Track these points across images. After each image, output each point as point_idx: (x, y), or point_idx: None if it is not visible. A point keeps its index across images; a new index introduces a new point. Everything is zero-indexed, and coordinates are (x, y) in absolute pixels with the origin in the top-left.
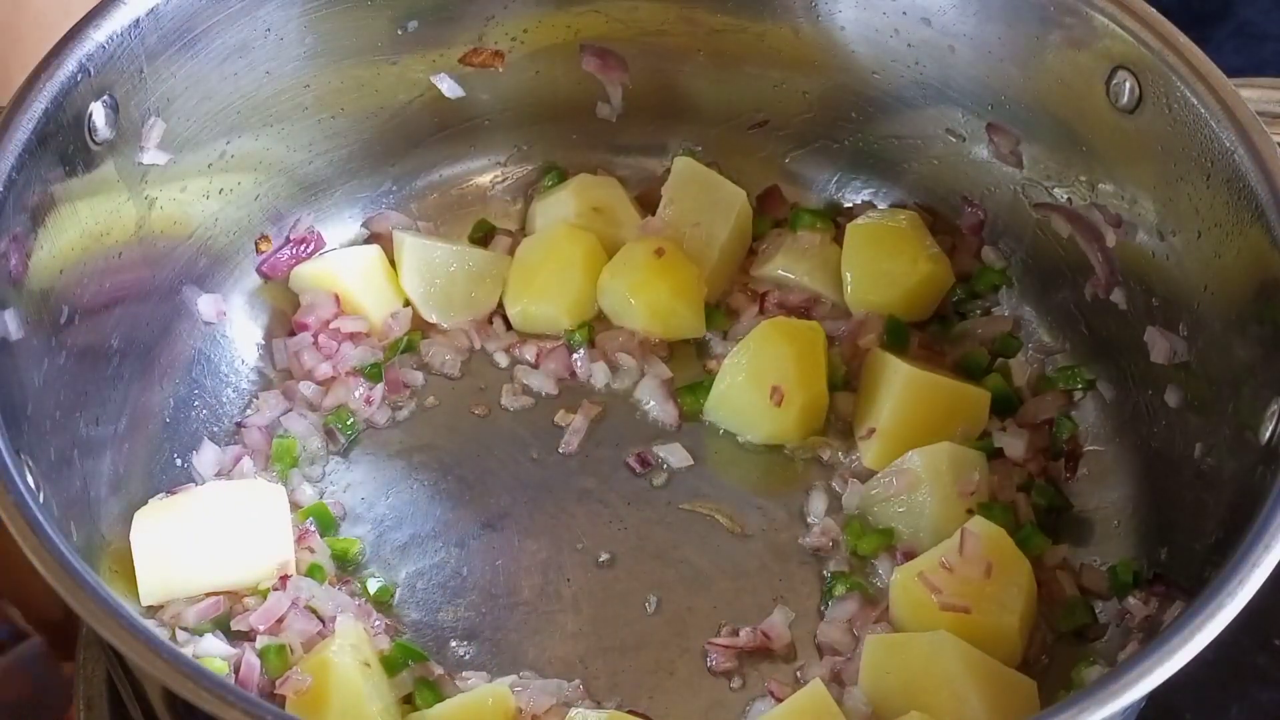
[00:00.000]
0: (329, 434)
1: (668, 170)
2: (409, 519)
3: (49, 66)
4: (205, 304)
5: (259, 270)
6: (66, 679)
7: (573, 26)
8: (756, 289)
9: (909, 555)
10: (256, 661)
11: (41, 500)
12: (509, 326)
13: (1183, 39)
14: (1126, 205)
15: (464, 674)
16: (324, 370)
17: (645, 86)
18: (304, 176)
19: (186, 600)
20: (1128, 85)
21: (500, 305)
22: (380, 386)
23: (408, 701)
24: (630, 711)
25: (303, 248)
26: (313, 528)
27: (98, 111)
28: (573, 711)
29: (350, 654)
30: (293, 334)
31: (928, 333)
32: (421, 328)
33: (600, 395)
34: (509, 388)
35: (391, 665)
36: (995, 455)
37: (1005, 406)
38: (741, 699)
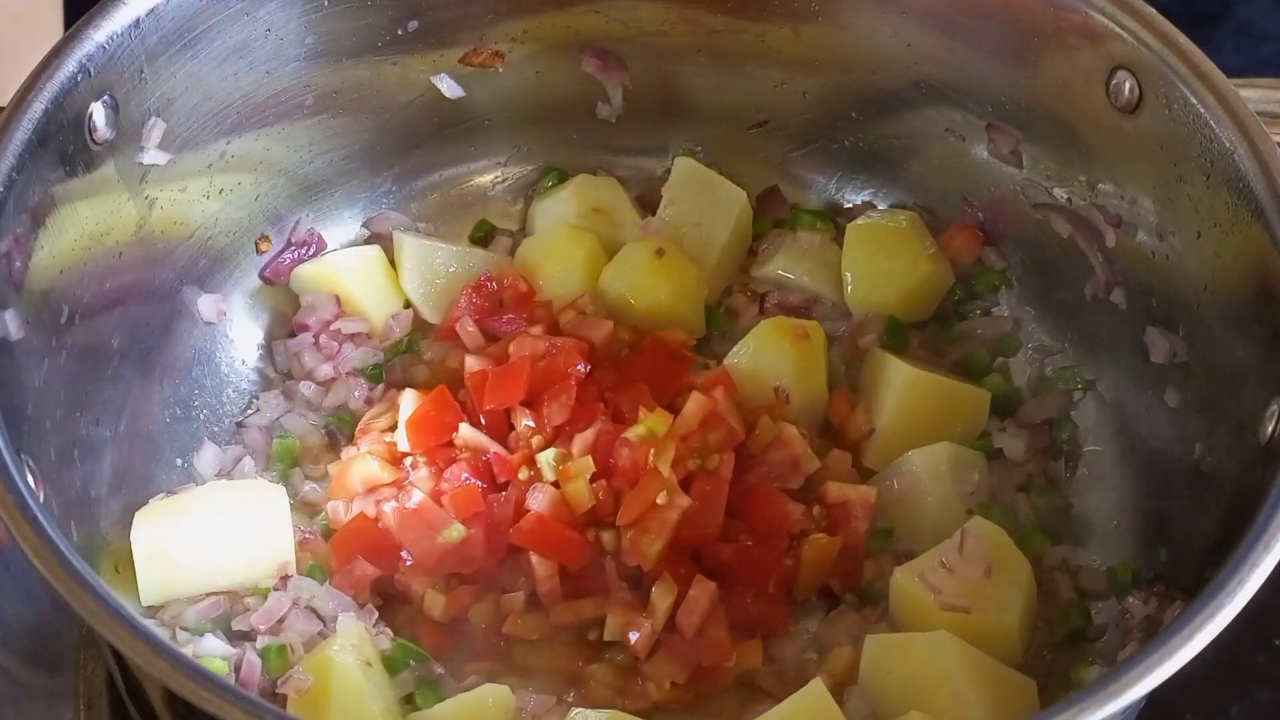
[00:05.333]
0: (330, 434)
1: (668, 170)
2: None
3: (49, 66)
4: (205, 304)
5: (262, 275)
6: None
7: (573, 26)
8: (756, 289)
9: (909, 555)
10: (257, 661)
11: (42, 500)
12: None
13: (1183, 39)
14: (1126, 205)
15: (465, 673)
16: (325, 371)
17: (645, 87)
18: (304, 177)
19: (187, 600)
20: (1127, 85)
21: None
22: (381, 387)
23: (409, 701)
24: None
25: (304, 250)
26: (314, 531)
27: (98, 112)
28: (573, 711)
29: (352, 653)
30: (293, 335)
31: (927, 333)
32: (422, 328)
33: None
34: None
35: (393, 664)
36: (995, 455)
37: (1005, 407)
38: (742, 698)
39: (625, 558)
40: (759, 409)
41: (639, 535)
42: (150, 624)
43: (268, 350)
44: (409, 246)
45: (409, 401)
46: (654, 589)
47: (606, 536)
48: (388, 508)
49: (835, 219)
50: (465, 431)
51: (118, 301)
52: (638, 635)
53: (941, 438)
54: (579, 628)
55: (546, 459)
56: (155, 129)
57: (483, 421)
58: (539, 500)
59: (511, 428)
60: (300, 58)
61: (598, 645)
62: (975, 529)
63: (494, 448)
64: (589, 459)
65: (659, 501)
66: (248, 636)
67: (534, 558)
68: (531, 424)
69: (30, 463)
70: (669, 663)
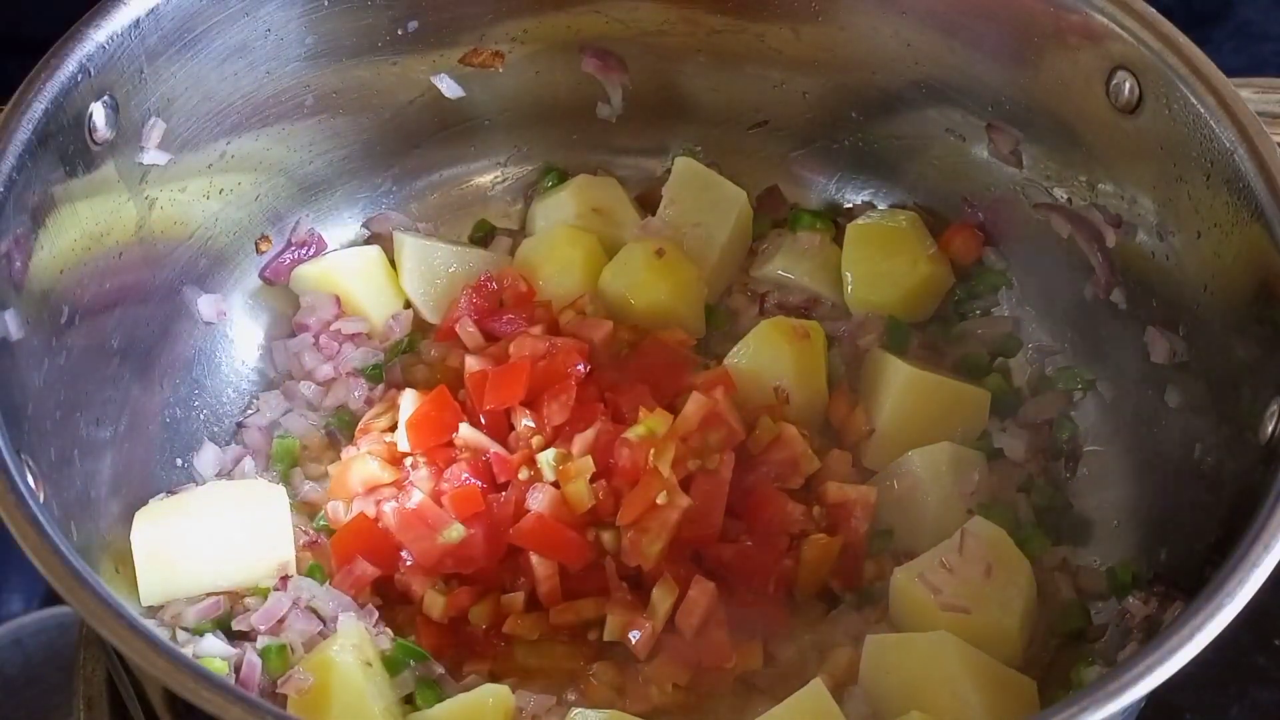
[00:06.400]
0: (330, 434)
1: (668, 170)
2: None
3: (49, 67)
4: (205, 304)
5: (262, 275)
6: None
7: (573, 26)
8: (756, 289)
9: (909, 555)
10: (257, 661)
11: (42, 500)
12: None
13: (1182, 39)
14: (1126, 205)
15: (465, 673)
16: (325, 371)
17: (645, 87)
18: (304, 177)
19: (187, 600)
20: (1127, 85)
21: None
22: (381, 387)
23: (409, 701)
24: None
25: (303, 250)
26: (314, 531)
27: (98, 112)
28: (573, 712)
29: (352, 653)
30: (293, 335)
31: (928, 333)
32: (422, 328)
33: None
34: None
35: (393, 664)
36: (995, 455)
37: (1005, 407)
38: (742, 699)
39: (625, 558)
40: (759, 409)
41: (639, 535)
42: (150, 624)
43: (268, 350)
44: (409, 246)
45: (409, 402)
46: (655, 589)
47: (606, 536)
48: (388, 508)
49: (835, 219)
50: (465, 431)
51: (118, 301)
52: (638, 635)
53: (941, 438)
54: (579, 628)
55: (546, 459)
56: (155, 129)
57: (483, 421)
58: (539, 500)
59: (511, 428)
60: (300, 58)
61: (598, 645)
62: (975, 529)
63: (494, 448)
64: (589, 459)
65: (659, 502)
66: (248, 636)
67: (534, 558)
68: (531, 424)
69: (30, 463)
70: (670, 664)
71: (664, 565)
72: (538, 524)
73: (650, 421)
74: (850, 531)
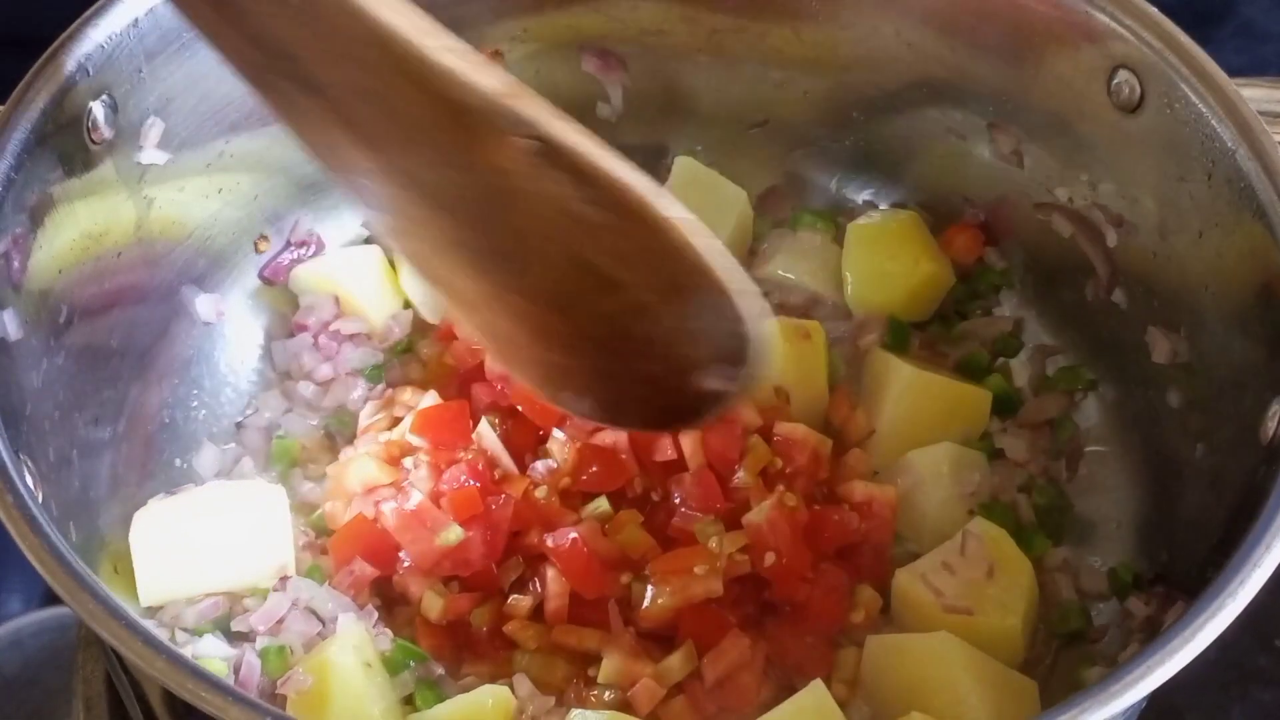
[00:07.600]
0: (329, 435)
1: (668, 170)
2: None
3: (48, 66)
4: (204, 304)
5: (261, 275)
6: None
7: (573, 26)
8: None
9: (910, 556)
10: (257, 662)
11: (40, 500)
12: None
13: (1184, 38)
14: (1128, 205)
15: (464, 674)
16: (324, 371)
17: (645, 86)
18: (303, 176)
19: (186, 601)
20: (1129, 85)
21: None
22: (380, 387)
23: (409, 702)
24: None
25: (303, 250)
26: (313, 532)
27: (97, 111)
28: (573, 712)
29: (352, 654)
30: (292, 335)
31: (928, 333)
32: (422, 329)
33: None
34: None
35: (393, 665)
36: (996, 456)
37: (1006, 407)
38: None
39: (634, 604)
40: (759, 410)
41: (658, 585)
42: (150, 624)
43: (267, 350)
44: None
45: (429, 400)
46: (675, 655)
47: (636, 586)
48: (386, 509)
49: (836, 219)
50: (484, 430)
51: (116, 301)
52: (638, 690)
53: (942, 438)
54: (579, 655)
55: (594, 510)
56: (154, 128)
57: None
58: (586, 529)
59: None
60: None
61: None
62: (977, 530)
63: (504, 457)
64: (636, 512)
65: (696, 572)
66: (247, 637)
67: (550, 571)
68: (555, 464)
69: (29, 463)
70: (685, 713)
71: (690, 628)
72: (573, 550)
73: (704, 526)
74: (878, 529)
